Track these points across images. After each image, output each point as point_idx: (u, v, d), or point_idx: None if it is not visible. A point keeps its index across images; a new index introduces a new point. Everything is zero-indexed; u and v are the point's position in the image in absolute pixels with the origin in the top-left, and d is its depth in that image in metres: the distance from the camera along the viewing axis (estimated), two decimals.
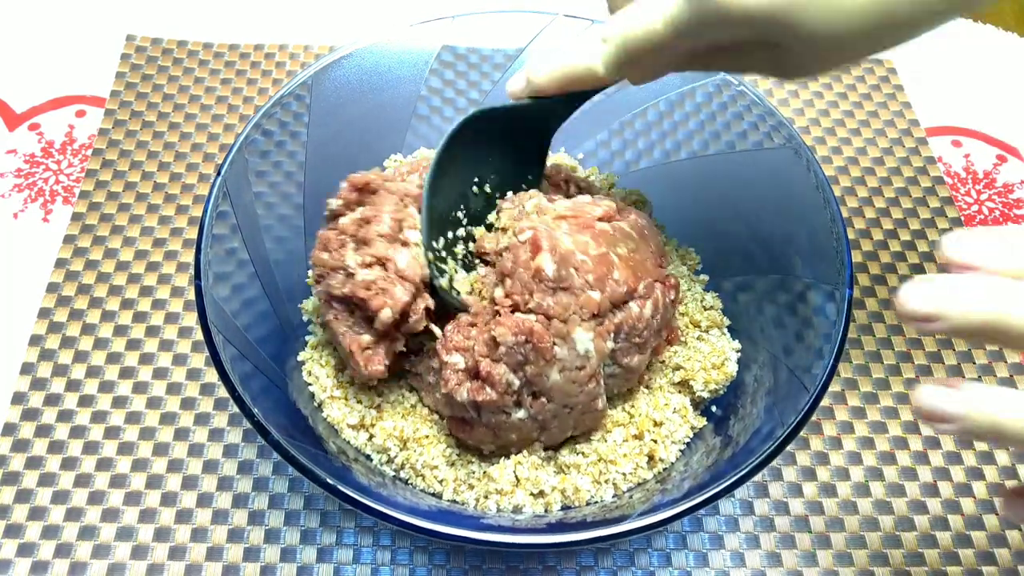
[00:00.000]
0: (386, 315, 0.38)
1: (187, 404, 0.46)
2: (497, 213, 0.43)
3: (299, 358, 0.45)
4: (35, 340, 0.48)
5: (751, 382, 0.44)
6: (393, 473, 0.42)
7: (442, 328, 0.40)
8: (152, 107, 0.59)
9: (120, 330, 0.49)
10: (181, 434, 0.45)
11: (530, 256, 0.37)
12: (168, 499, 0.43)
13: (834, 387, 0.49)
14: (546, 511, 0.40)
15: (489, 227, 0.42)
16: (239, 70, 0.62)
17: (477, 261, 0.42)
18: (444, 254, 0.41)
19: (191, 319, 0.49)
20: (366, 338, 0.39)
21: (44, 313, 0.49)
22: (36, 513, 0.42)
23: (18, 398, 0.46)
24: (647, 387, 0.45)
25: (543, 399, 0.38)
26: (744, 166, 0.48)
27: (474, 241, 0.42)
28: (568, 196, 0.45)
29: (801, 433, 0.37)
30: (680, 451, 0.43)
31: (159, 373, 0.47)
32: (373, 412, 0.42)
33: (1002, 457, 0.47)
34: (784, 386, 0.40)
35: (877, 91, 0.65)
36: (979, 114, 0.65)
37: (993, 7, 0.75)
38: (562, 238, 0.38)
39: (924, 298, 0.27)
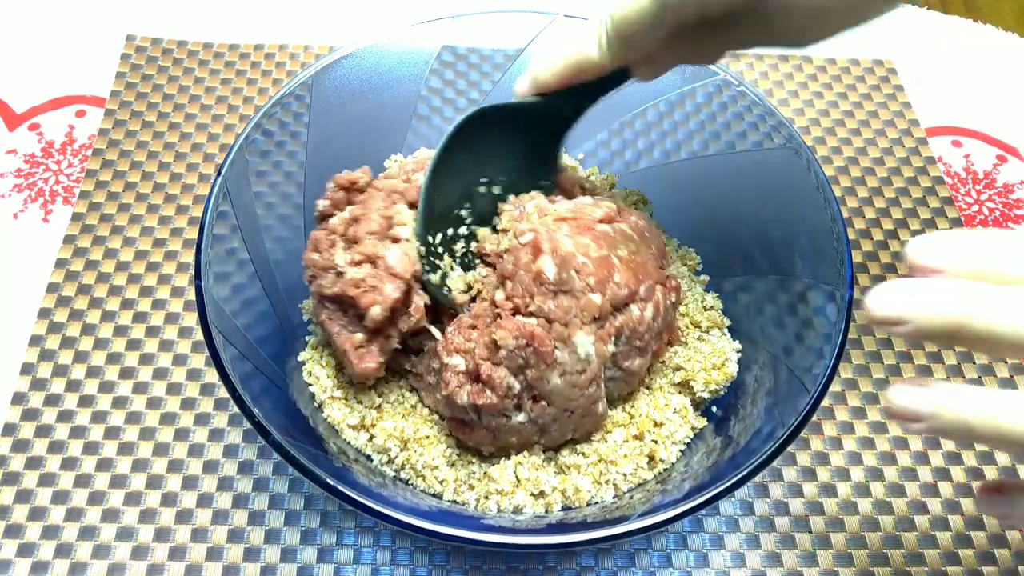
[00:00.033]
0: (376, 312, 0.38)
1: (187, 404, 0.46)
2: (498, 214, 0.42)
3: (299, 358, 0.45)
4: (35, 340, 0.48)
5: (751, 383, 0.44)
6: (393, 473, 0.42)
7: (442, 329, 0.40)
8: (152, 107, 0.59)
9: (120, 330, 0.49)
10: (181, 434, 0.45)
11: (531, 259, 0.37)
12: (168, 499, 0.43)
13: (834, 387, 0.49)
14: (546, 512, 0.40)
15: (494, 228, 0.42)
16: (239, 70, 0.62)
17: (478, 262, 0.42)
18: (441, 250, 0.41)
19: (191, 319, 0.49)
20: (359, 336, 0.39)
21: (44, 313, 0.49)
22: (36, 513, 0.42)
23: (18, 398, 0.46)
24: (647, 388, 0.45)
25: (543, 403, 0.38)
26: (744, 166, 0.48)
27: (476, 241, 0.42)
28: (571, 198, 0.45)
29: (801, 433, 0.37)
30: (680, 452, 0.43)
31: (159, 373, 0.47)
32: (373, 412, 0.42)
33: (1002, 458, 0.47)
34: (784, 386, 0.40)
35: (877, 91, 0.65)
36: (979, 114, 0.65)
37: (993, 7, 0.75)
38: (563, 240, 0.38)
39: (889, 302, 0.28)
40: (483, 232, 0.42)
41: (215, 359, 0.36)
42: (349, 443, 0.42)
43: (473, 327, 0.38)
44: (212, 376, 0.47)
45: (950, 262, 0.29)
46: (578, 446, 0.42)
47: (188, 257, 0.52)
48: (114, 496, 0.43)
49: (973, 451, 0.47)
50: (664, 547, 0.43)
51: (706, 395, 0.44)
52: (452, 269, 0.41)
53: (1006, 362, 0.51)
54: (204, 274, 0.38)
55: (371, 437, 0.42)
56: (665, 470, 0.42)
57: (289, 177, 0.47)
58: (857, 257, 0.55)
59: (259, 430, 0.35)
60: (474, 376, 0.38)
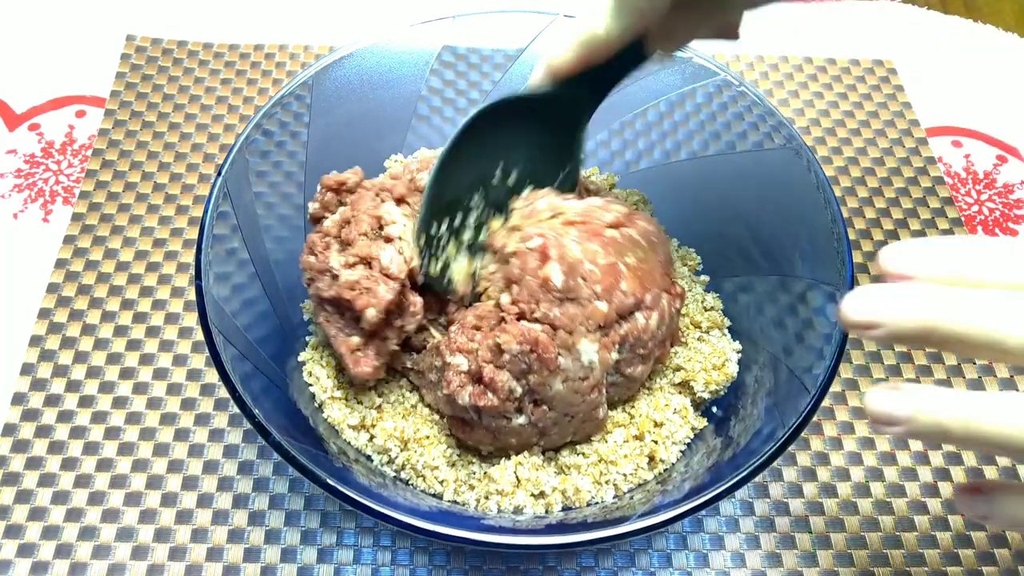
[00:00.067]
0: (371, 314, 0.38)
1: (187, 404, 0.46)
2: (510, 210, 0.42)
3: (300, 358, 0.45)
4: (35, 340, 0.48)
5: (752, 383, 0.44)
6: (394, 474, 0.42)
7: (446, 326, 0.40)
8: (152, 107, 0.59)
9: (120, 330, 0.49)
10: (181, 434, 0.45)
11: (538, 264, 0.37)
12: (168, 499, 0.43)
13: (835, 388, 0.49)
14: (547, 512, 0.40)
15: (508, 216, 0.42)
16: (239, 70, 0.62)
17: (488, 254, 0.41)
18: (445, 239, 0.40)
19: (191, 319, 0.49)
20: (355, 340, 0.39)
21: (44, 313, 0.49)
22: (36, 514, 0.42)
23: (18, 399, 0.46)
24: (647, 388, 0.45)
25: (544, 407, 0.38)
26: (744, 166, 0.48)
27: (487, 229, 0.41)
28: (579, 197, 0.45)
29: (801, 434, 0.37)
30: (681, 452, 0.43)
31: (159, 374, 0.47)
32: (374, 413, 0.42)
33: (1002, 459, 0.47)
34: (785, 387, 0.40)
35: (877, 91, 0.65)
36: (979, 114, 0.65)
37: (993, 7, 0.75)
38: (571, 246, 0.38)
39: (862, 307, 0.29)
40: (495, 223, 0.41)
41: (215, 359, 0.36)
42: (349, 443, 0.42)
43: (477, 328, 0.38)
44: (212, 376, 0.47)
45: (920, 268, 0.30)
46: (578, 446, 0.42)
47: (188, 257, 0.52)
48: (114, 496, 0.43)
49: (973, 452, 0.47)
50: (664, 547, 0.43)
51: (706, 395, 0.44)
52: (456, 258, 0.40)
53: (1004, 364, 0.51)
54: (204, 274, 0.38)
55: (371, 437, 0.42)
56: (665, 470, 0.42)
57: (289, 177, 0.47)
58: (857, 257, 0.55)
59: (259, 430, 0.35)
60: (476, 377, 0.37)
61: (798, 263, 0.44)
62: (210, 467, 0.44)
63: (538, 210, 0.41)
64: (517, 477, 0.40)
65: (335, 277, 0.38)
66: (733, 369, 0.44)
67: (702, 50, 0.49)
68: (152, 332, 0.49)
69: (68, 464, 0.44)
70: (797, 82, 0.65)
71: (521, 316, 0.37)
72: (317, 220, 0.41)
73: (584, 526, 0.38)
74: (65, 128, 0.58)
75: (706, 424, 0.44)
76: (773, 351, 0.43)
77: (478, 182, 0.41)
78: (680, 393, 0.44)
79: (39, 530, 0.42)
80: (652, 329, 0.40)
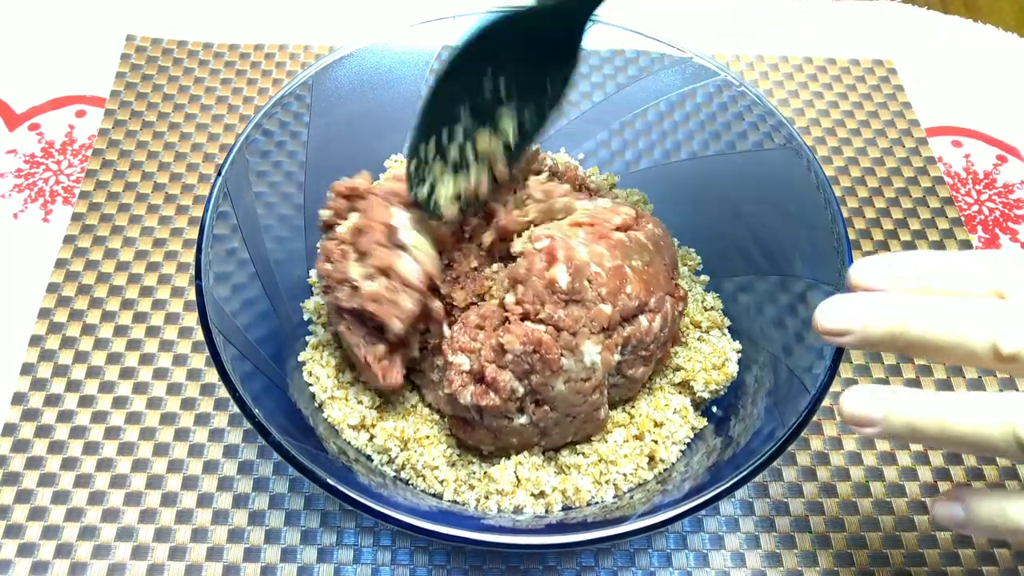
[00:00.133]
0: (396, 327, 0.38)
1: (187, 404, 0.46)
2: (525, 198, 0.42)
3: (300, 358, 0.45)
4: (35, 340, 0.48)
5: (752, 383, 0.44)
6: (394, 473, 0.42)
7: (449, 324, 0.40)
8: (152, 107, 0.59)
9: (120, 330, 0.49)
10: (181, 434, 0.45)
11: (545, 266, 0.37)
12: (168, 499, 0.43)
13: (835, 387, 0.49)
14: (547, 512, 0.40)
15: (495, 126, 0.40)
16: (239, 70, 0.62)
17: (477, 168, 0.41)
18: (432, 158, 0.40)
19: (191, 319, 0.49)
20: (381, 348, 0.39)
21: (44, 313, 0.49)
22: (36, 513, 0.42)
23: (18, 398, 0.46)
24: (648, 388, 0.45)
25: (546, 407, 0.38)
26: (744, 166, 0.48)
27: (473, 140, 0.40)
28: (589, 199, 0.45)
29: (801, 434, 0.37)
30: (681, 452, 0.43)
31: (159, 373, 0.47)
32: (374, 412, 0.42)
33: (1002, 459, 0.47)
34: (785, 386, 0.40)
35: (877, 91, 0.65)
36: (979, 114, 0.65)
37: (993, 7, 0.75)
38: (578, 248, 0.38)
39: (833, 316, 0.32)
40: (482, 136, 0.40)
41: (215, 359, 0.36)
42: (349, 443, 0.42)
43: (480, 327, 0.38)
44: (212, 376, 0.47)
45: (888, 281, 0.32)
46: (578, 446, 0.42)
47: (188, 257, 0.52)
48: (114, 496, 0.43)
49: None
50: (664, 547, 0.43)
51: (706, 395, 0.44)
52: (441, 179, 0.40)
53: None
54: (204, 274, 0.38)
55: (371, 437, 0.42)
56: (665, 470, 0.42)
57: (289, 177, 0.47)
58: (857, 257, 0.55)
59: (259, 430, 0.35)
60: (478, 377, 0.37)
61: (798, 263, 0.44)
62: (210, 467, 0.44)
63: (555, 209, 0.41)
64: (517, 477, 0.40)
65: (355, 288, 0.38)
66: (733, 369, 0.44)
67: (702, 50, 0.49)
68: (152, 332, 0.49)
69: (68, 464, 0.44)
70: (797, 82, 0.65)
71: (525, 316, 0.37)
72: (329, 227, 0.41)
73: (584, 526, 0.38)
74: (65, 128, 0.58)
75: (706, 424, 0.44)
76: (773, 351, 0.43)
77: (466, 97, 0.40)
78: (680, 393, 0.44)
79: (39, 530, 0.42)
80: (655, 332, 0.40)
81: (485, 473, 0.41)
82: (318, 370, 0.43)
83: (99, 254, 0.52)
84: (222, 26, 0.65)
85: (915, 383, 0.50)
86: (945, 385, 0.50)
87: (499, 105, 0.40)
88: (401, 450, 0.42)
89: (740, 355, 0.45)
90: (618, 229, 0.41)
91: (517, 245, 0.40)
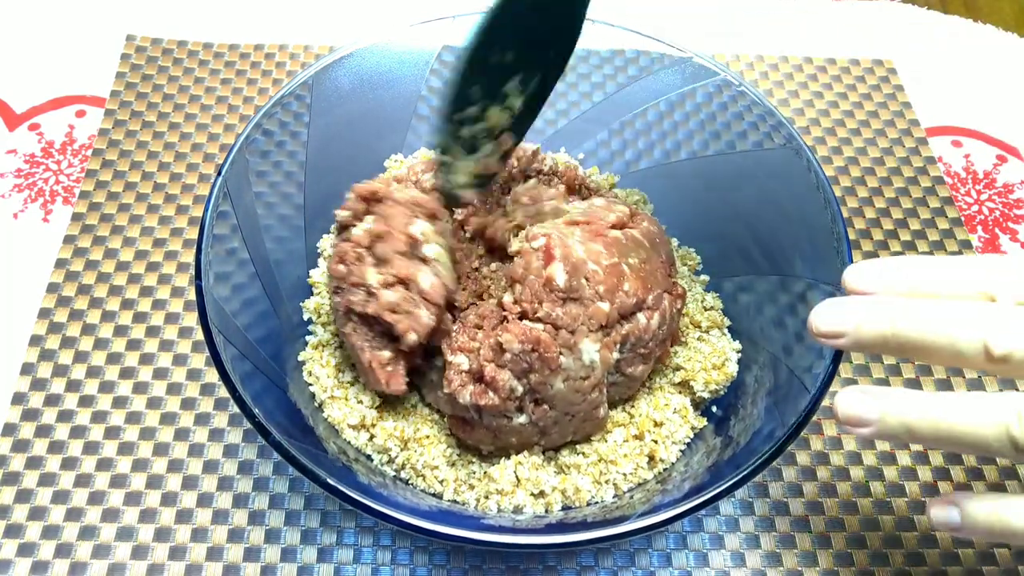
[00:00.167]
0: (412, 340, 0.38)
1: (187, 404, 0.46)
2: (513, 203, 0.42)
3: (300, 358, 0.45)
4: (35, 340, 0.48)
5: (752, 382, 0.44)
6: (394, 473, 0.42)
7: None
8: (152, 107, 0.59)
9: (120, 330, 0.49)
10: (181, 434, 0.45)
11: (542, 264, 0.37)
12: (168, 499, 0.43)
13: (835, 387, 0.49)
14: (547, 511, 0.40)
15: (504, 103, 0.40)
16: (239, 70, 0.62)
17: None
18: (452, 143, 0.40)
19: (191, 319, 0.49)
20: (386, 354, 0.39)
21: (44, 313, 0.49)
22: (36, 513, 0.42)
23: (18, 398, 0.46)
24: (647, 388, 0.45)
25: (545, 406, 0.38)
26: (744, 166, 0.48)
27: (484, 121, 0.40)
28: (583, 199, 0.45)
29: (801, 433, 0.37)
30: (680, 451, 0.43)
31: (159, 373, 0.47)
32: (374, 412, 0.42)
33: (1001, 458, 0.47)
34: (785, 386, 0.40)
35: (877, 91, 0.65)
36: (979, 114, 0.65)
37: (993, 7, 0.75)
38: (575, 247, 0.38)
39: (827, 318, 0.33)
40: (493, 111, 0.40)
41: (215, 359, 0.36)
42: (349, 443, 0.42)
43: (478, 327, 0.38)
44: (212, 376, 0.47)
45: (881, 284, 0.33)
46: (578, 446, 0.42)
47: (188, 257, 0.52)
48: (114, 496, 0.43)
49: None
50: (664, 547, 0.43)
51: (706, 395, 0.44)
52: (460, 159, 0.40)
53: None
54: (204, 274, 0.38)
55: (371, 437, 0.42)
56: (665, 470, 0.42)
57: (289, 177, 0.47)
58: (857, 257, 0.55)
59: (259, 430, 0.35)
60: (477, 376, 0.38)
61: (798, 263, 0.44)
62: (210, 467, 0.44)
63: (544, 211, 0.41)
64: (517, 476, 0.40)
65: (372, 294, 0.38)
66: (733, 369, 0.44)
67: (702, 50, 0.49)
68: (152, 332, 0.49)
69: (68, 464, 0.44)
70: (797, 82, 0.65)
71: (524, 315, 0.37)
72: (345, 227, 0.41)
73: (584, 526, 0.38)
74: (65, 128, 0.58)
75: (706, 424, 0.44)
76: (773, 351, 0.43)
77: (480, 77, 0.40)
78: (680, 393, 0.44)
79: (39, 530, 0.42)
80: (653, 329, 0.40)
81: (485, 473, 0.41)
82: (318, 370, 0.43)
83: (99, 254, 0.52)
84: (222, 26, 0.65)
85: (915, 383, 0.50)
86: (945, 385, 0.50)
87: (507, 79, 0.40)
88: (401, 450, 0.42)
89: (740, 355, 0.45)
90: (614, 227, 0.41)
91: (514, 244, 0.40)
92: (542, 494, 0.40)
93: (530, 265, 0.38)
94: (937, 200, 0.58)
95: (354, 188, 0.41)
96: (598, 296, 0.37)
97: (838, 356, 0.37)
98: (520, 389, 0.37)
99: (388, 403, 0.43)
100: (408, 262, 0.38)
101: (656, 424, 0.42)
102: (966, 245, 0.56)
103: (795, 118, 0.63)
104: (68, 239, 0.52)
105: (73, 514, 0.42)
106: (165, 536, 0.42)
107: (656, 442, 0.42)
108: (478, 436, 0.40)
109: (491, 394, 0.37)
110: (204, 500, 0.43)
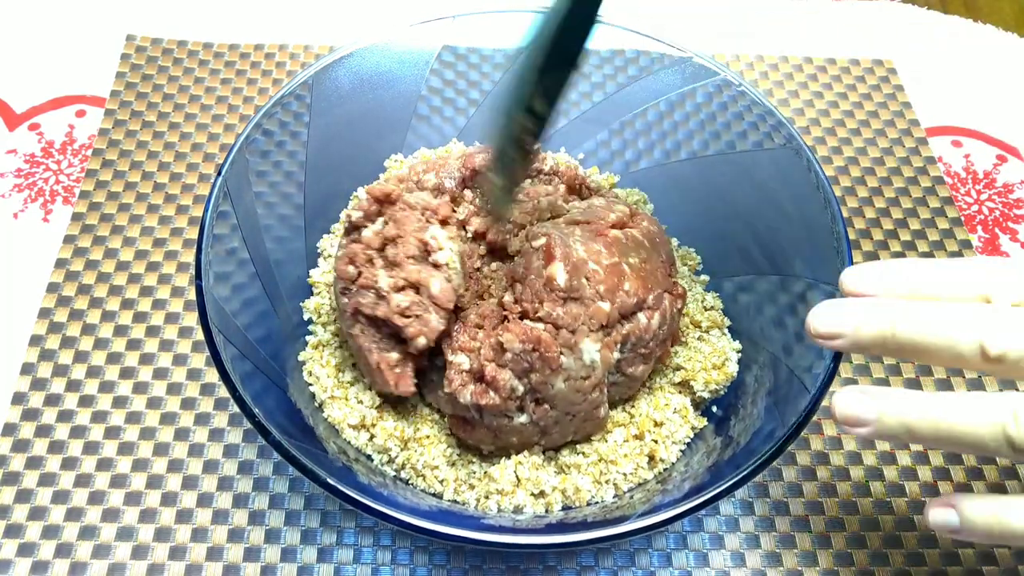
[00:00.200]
0: (421, 343, 0.38)
1: (187, 404, 0.46)
2: (516, 194, 0.42)
3: (300, 358, 0.45)
4: (35, 340, 0.48)
5: (752, 382, 0.44)
6: (394, 473, 0.42)
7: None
8: (152, 107, 0.59)
9: (120, 330, 0.49)
10: (181, 434, 0.45)
11: (543, 264, 0.37)
12: (168, 499, 0.43)
13: (834, 387, 0.49)
14: (547, 511, 0.40)
15: (530, 110, 0.37)
16: (239, 70, 0.62)
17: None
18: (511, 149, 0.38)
19: (191, 319, 0.49)
20: (394, 356, 0.39)
21: (44, 313, 0.49)
22: (36, 513, 0.42)
23: (18, 398, 0.46)
24: (648, 388, 0.45)
25: (546, 406, 0.38)
26: (744, 166, 0.48)
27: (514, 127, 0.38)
28: (583, 199, 0.45)
29: (801, 433, 0.37)
30: (681, 451, 0.43)
31: (159, 373, 0.47)
32: (374, 412, 0.42)
33: (1001, 458, 0.47)
34: (785, 386, 0.40)
35: (877, 91, 0.65)
36: (979, 114, 0.65)
37: (993, 7, 0.75)
38: (575, 246, 0.38)
39: (825, 320, 0.33)
40: (520, 118, 0.39)
41: (215, 359, 0.36)
42: (349, 443, 0.42)
43: (479, 327, 0.38)
44: (212, 376, 0.47)
45: (879, 287, 0.33)
46: (578, 446, 0.42)
47: (188, 257, 0.52)
48: (114, 496, 0.43)
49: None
50: (664, 547, 0.43)
51: (706, 395, 0.44)
52: (517, 165, 0.39)
53: None
54: (204, 274, 0.38)
55: (371, 437, 0.42)
56: (665, 470, 0.42)
57: (289, 177, 0.47)
58: (857, 257, 0.55)
59: (259, 430, 0.35)
60: (478, 376, 0.38)
61: (798, 263, 0.44)
62: (210, 467, 0.44)
63: (540, 208, 0.41)
64: (517, 476, 0.40)
65: (382, 297, 0.38)
66: (733, 369, 0.44)
67: (702, 50, 0.49)
68: (152, 332, 0.49)
69: (68, 464, 0.44)
70: (797, 82, 0.65)
71: (524, 315, 0.37)
72: (355, 228, 0.41)
73: (584, 525, 0.38)
74: (65, 128, 0.58)
75: (706, 424, 0.44)
76: (773, 350, 0.43)
77: (512, 89, 0.37)
78: (680, 393, 0.44)
79: (39, 530, 0.42)
80: (654, 329, 0.40)
81: (485, 473, 0.41)
82: (318, 370, 0.43)
83: (99, 254, 0.52)
84: (222, 26, 0.65)
85: (915, 383, 0.50)
86: (944, 385, 0.50)
87: (531, 83, 0.37)
88: (401, 450, 0.42)
89: (740, 355, 0.45)
90: (614, 227, 0.41)
91: (515, 244, 0.40)
92: (542, 494, 0.40)
93: (531, 265, 0.38)
94: (937, 200, 0.58)
95: (368, 190, 0.41)
96: (599, 296, 0.37)
97: (838, 356, 0.37)
98: (521, 389, 0.37)
99: (388, 403, 0.43)
100: (420, 267, 0.38)
101: (656, 424, 0.42)
102: (966, 245, 0.56)
103: (795, 118, 0.63)
104: (68, 239, 0.52)
105: (73, 514, 0.42)
106: (165, 536, 0.42)
107: (656, 442, 0.42)
108: (478, 436, 0.40)
109: (492, 394, 0.37)
110: (204, 500, 0.43)
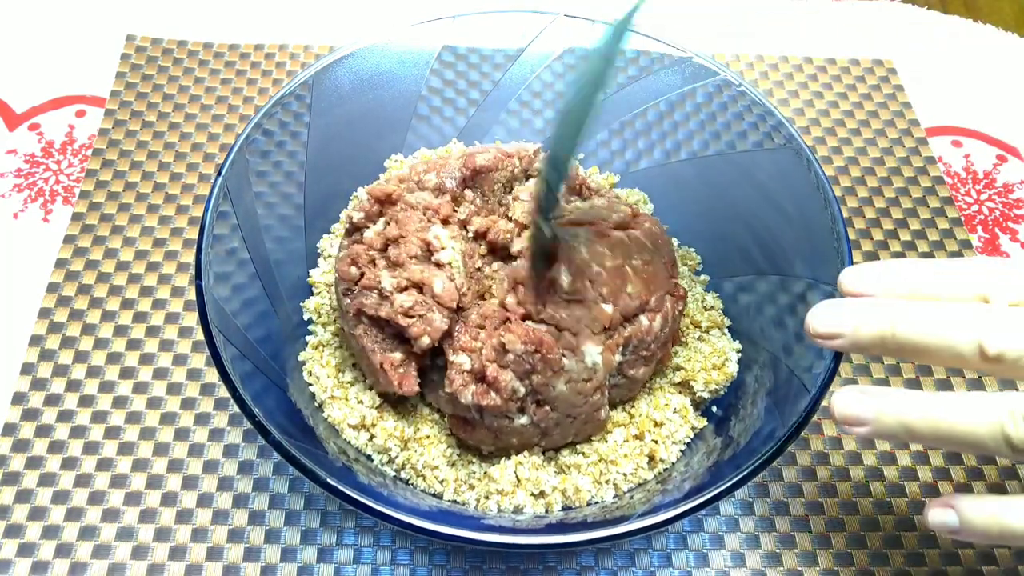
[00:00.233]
0: (425, 343, 0.38)
1: (187, 404, 0.46)
2: (513, 200, 0.42)
3: (300, 358, 0.45)
4: (35, 340, 0.48)
5: (752, 382, 0.44)
6: (394, 473, 0.42)
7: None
8: (152, 107, 0.59)
9: (120, 330, 0.49)
10: (181, 434, 0.45)
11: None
12: (168, 499, 0.43)
13: (834, 387, 0.49)
14: (547, 511, 0.40)
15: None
16: (239, 70, 0.62)
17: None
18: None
19: (191, 319, 0.49)
20: (398, 356, 0.39)
21: (44, 313, 0.49)
22: (36, 513, 0.42)
23: (18, 398, 0.46)
24: (647, 388, 0.45)
25: (547, 408, 0.38)
26: (744, 166, 0.48)
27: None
28: (583, 199, 0.45)
29: (801, 434, 0.37)
30: (681, 451, 0.43)
31: (159, 373, 0.47)
32: (374, 412, 0.42)
33: (1001, 458, 0.47)
34: (785, 386, 0.40)
35: (877, 91, 0.65)
36: (979, 114, 0.65)
37: (993, 7, 0.75)
38: (578, 248, 0.38)
39: (824, 320, 0.33)
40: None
41: (215, 359, 0.36)
42: (349, 443, 0.42)
43: (480, 327, 0.38)
44: (212, 376, 0.47)
45: (878, 287, 0.33)
46: (578, 446, 0.42)
47: (188, 257, 0.52)
48: (114, 496, 0.43)
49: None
50: (664, 547, 0.43)
51: (706, 395, 0.44)
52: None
53: None
54: (204, 274, 0.38)
55: (371, 437, 0.42)
56: (665, 470, 0.42)
57: (289, 177, 0.47)
58: (857, 257, 0.55)
59: (259, 430, 0.35)
60: (479, 376, 0.37)
61: (798, 263, 0.44)
62: (210, 467, 0.44)
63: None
64: (517, 477, 0.40)
65: (385, 297, 0.38)
66: (733, 369, 0.44)
67: (702, 50, 0.49)
68: (152, 332, 0.49)
69: (68, 464, 0.44)
70: (797, 82, 0.65)
71: (527, 317, 0.37)
72: (357, 229, 0.41)
73: (584, 526, 0.38)
74: (65, 128, 0.58)
75: (706, 424, 0.44)
76: (773, 351, 0.43)
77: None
78: (680, 393, 0.44)
79: (39, 530, 0.42)
80: (656, 331, 0.40)
81: (485, 473, 0.41)
82: (318, 370, 0.43)
83: (99, 254, 0.52)
84: (222, 26, 0.65)
85: (915, 383, 0.50)
86: (944, 385, 0.50)
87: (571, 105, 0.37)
88: (401, 450, 0.42)
89: (740, 355, 0.45)
90: (616, 228, 0.41)
91: (516, 244, 0.40)
92: (542, 494, 0.40)
93: None
94: (937, 200, 0.58)
95: (369, 190, 0.41)
96: (602, 298, 0.37)
97: (838, 356, 0.37)
98: (522, 390, 0.37)
99: (388, 403, 0.43)
100: (422, 267, 0.38)
101: (656, 424, 0.42)
102: (966, 245, 0.56)
103: (795, 118, 0.63)
104: (68, 239, 0.52)
105: (73, 514, 0.42)
106: (165, 536, 0.42)
107: (656, 442, 0.42)
108: (479, 436, 0.40)
109: (493, 394, 0.37)
110: (204, 500, 0.43)
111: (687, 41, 0.50)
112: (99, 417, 0.45)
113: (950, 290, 0.33)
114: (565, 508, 0.41)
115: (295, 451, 0.34)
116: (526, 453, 0.41)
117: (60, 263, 0.51)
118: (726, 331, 0.47)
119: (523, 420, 0.38)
